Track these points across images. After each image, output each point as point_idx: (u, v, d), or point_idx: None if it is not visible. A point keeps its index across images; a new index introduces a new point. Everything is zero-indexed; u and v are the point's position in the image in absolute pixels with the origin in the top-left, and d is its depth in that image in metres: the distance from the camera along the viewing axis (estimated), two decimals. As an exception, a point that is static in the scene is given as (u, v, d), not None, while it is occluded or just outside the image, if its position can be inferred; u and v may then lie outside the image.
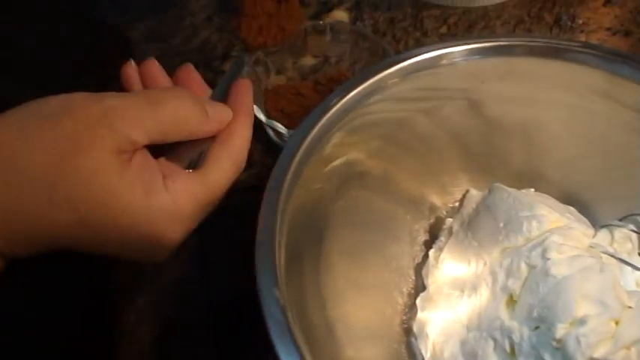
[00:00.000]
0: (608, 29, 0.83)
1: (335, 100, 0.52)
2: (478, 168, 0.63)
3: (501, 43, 0.55)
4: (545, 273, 0.47)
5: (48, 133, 0.37)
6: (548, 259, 0.47)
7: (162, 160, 0.42)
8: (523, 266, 0.49)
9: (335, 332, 0.50)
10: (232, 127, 0.45)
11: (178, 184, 0.40)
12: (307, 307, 0.47)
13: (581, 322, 0.44)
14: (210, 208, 0.44)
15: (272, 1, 0.53)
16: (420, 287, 0.58)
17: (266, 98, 0.70)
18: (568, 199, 0.61)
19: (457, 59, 0.56)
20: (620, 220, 0.56)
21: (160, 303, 0.60)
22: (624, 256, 0.51)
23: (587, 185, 0.61)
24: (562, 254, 0.48)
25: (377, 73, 0.54)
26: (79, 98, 0.39)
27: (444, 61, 0.55)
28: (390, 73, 0.54)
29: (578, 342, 0.43)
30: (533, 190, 0.59)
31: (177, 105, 0.41)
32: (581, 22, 0.84)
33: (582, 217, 0.57)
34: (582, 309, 0.44)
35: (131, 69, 0.47)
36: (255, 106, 0.64)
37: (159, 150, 0.43)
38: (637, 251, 0.54)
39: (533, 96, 0.59)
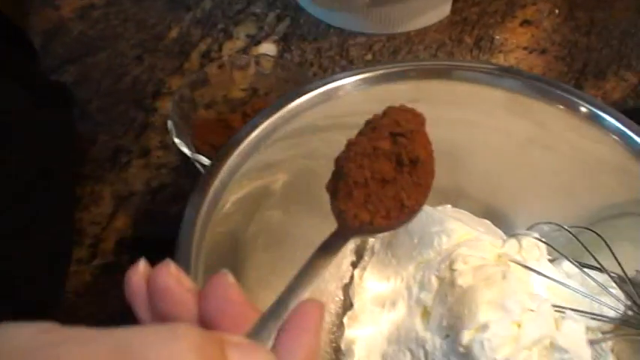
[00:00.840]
0: (525, 48, 0.86)
1: (250, 128, 0.54)
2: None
3: (399, 69, 0.58)
4: (452, 284, 0.50)
5: None
6: (455, 270, 0.50)
7: None
8: (433, 279, 0.51)
9: None
10: None
11: None
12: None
13: (485, 327, 0.46)
14: None
15: (390, 162, 0.35)
16: (348, 306, 0.60)
17: (194, 132, 0.72)
18: (488, 213, 0.64)
19: (365, 85, 0.58)
20: (528, 229, 0.59)
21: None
22: (532, 263, 0.54)
23: (504, 199, 0.64)
24: (467, 265, 0.50)
25: (293, 99, 0.56)
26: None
27: (350, 88, 0.58)
28: (306, 101, 0.56)
29: (482, 346, 0.45)
30: (450, 206, 0.61)
31: (163, 355, 0.23)
32: (499, 42, 0.87)
33: (497, 229, 0.60)
34: (485, 315, 0.47)
35: (137, 277, 0.30)
36: (179, 140, 0.66)
37: None
38: (546, 258, 0.57)
39: (446, 116, 0.62)
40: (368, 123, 0.36)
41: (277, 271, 0.56)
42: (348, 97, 0.57)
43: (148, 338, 0.24)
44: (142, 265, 0.30)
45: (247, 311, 0.30)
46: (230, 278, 0.30)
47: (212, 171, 0.51)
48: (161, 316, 0.29)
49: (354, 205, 0.35)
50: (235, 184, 0.52)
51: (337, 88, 0.57)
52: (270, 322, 0.29)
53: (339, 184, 0.35)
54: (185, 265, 0.46)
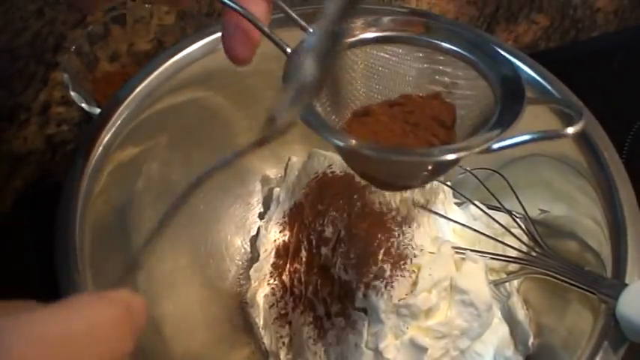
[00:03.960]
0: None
1: (136, 82, 0.51)
2: (318, 138, 0.63)
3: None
4: (350, 230, 0.48)
5: None
6: (351, 216, 0.49)
7: None
8: (331, 227, 0.50)
9: (163, 331, 0.49)
10: None
11: None
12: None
13: (381, 272, 0.45)
14: None
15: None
16: (255, 259, 0.58)
17: (95, 86, 0.69)
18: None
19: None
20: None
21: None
22: (437, 207, 0.53)
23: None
24: (366, 210, 0.49)
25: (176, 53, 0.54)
26: None
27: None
28: (195, 50, 0.54)
29: (380, 292, 0.45)
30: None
31: None
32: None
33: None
34: (382, 260, 0.46)
35: None
36: (75, 94, 0.63)
37: None
38: (452, 201, 0.56)
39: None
40: None
41: (180, 237, 0.54)
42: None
43: None
44: None
45: None
46: None
47: (97, 125, 0.49)
48: None
49: None
50: (122, 139, 0.50)
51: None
52: None
53: None
54: (70, 226, 0.44)
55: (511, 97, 0.35)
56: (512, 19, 0.81)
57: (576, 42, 0.80)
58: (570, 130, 0.33)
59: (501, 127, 0.34)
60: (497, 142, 0.33)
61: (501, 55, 0.38)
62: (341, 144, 0.33)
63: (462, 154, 0.33)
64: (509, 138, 0.33)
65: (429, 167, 0.37)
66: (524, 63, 0.57)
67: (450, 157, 0.33)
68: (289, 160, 0.60)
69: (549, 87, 0.56)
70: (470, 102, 0.38)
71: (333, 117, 0.38)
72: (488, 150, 0.33)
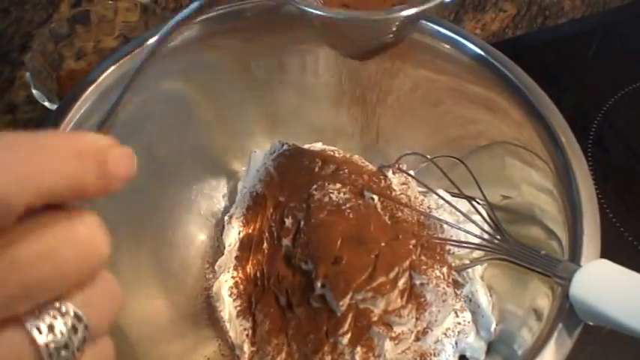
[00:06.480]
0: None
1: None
2: (284, 130, 0.64)
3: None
4: (309, 219, 0.48)
5: None
6: (310, 205, 0.49)
7: None
8: (290, 217, 0.50)
9: (130, 338, 0.49)
10: None
11: None
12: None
13: (339, 259, 0.46)
14: None
15: None
16: (221, 253, 0.58)
17: (60, 84, 0.69)
18: (366, 149, 0.63)
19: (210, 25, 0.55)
20: (397, 161, 0.58)
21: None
22: (399, 196, 0.54)
23: (379, 135, 0.63)
24: (324, 199, 0.49)
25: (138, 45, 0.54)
26: None
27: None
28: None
29: (337, 278, 0.45)
30: (320, 143, 0.60)
31: None
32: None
33: (367, 163, 0.59)
34: (340, 248, 0.46)
35: None
36: (38, 92, 0.63)
37: None
38: (415, 189, 0.56)
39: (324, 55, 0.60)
40: None
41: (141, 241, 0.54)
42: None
43: None
44: None
45: None
46: None
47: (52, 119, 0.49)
48: None
49: None
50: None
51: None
52: None
53: None
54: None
55: None
56: (480, 8, 0.81)
57: (543, 28, 0.80)
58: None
59: None
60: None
61: None
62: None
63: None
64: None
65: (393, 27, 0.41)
66: (482, 49, 0.57)
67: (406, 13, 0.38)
68: (253, 152, 0.60)
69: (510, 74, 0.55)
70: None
71: None
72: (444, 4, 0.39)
